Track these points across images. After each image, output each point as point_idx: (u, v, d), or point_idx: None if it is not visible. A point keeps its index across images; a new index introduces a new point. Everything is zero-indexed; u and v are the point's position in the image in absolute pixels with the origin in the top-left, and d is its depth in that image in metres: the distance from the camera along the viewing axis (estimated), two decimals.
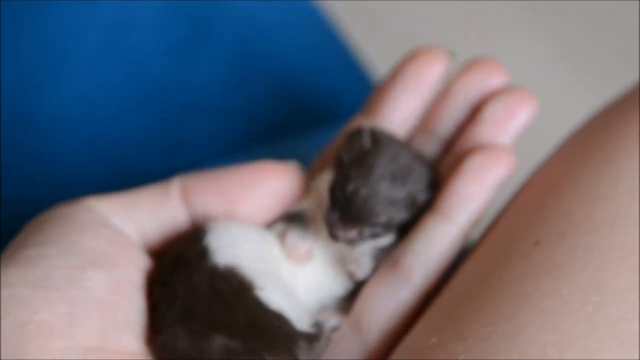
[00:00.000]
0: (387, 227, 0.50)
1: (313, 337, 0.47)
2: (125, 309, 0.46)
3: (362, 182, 0.49)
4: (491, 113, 0.52)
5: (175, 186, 0.49)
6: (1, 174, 0.66)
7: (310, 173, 0.56)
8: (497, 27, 1.36)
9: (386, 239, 0.51)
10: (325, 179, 0.53)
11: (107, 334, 0.44)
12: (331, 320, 0.49)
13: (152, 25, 0.72)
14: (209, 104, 0.71)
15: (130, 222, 0.49)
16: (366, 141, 0.51)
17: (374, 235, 0.50)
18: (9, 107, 0.68)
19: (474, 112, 0.54)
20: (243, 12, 0.74)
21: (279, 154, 0.64)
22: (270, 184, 0.50)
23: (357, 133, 0.52)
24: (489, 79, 0.54)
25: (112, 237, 0.47)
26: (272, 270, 0.50)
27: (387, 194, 0.49)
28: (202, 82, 0.72)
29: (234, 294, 0.46)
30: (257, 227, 0.51)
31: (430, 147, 0.55)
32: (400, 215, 0.50)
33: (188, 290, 0.46)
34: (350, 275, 0.51)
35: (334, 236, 0.49)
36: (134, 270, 0.47)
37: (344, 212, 0.49)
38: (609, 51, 1.35)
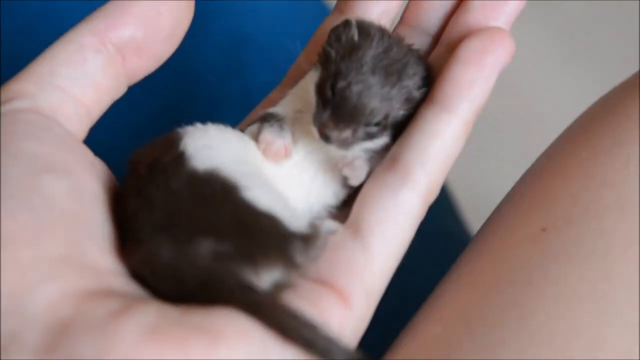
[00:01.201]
0: (383, 126, 0.46)
1: (309, 237, 0.43)
2: (87, 220, 0.42)
3: (353, 77, 0.45)
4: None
5: (85, 35, 0.45)
6: None
7: (283, 85, 0.52)
8: None
9: (381, 140, 0.47)
10: (310, 79, 0.48)
11: (73, 244, 0.40)
12: (327, 221, 0.45)
13: None
14: (205, 90, 0.70)
15: (63, 94, 0.45)
16: (354, 33, 0.46)
17: (369, 136, 0.46)
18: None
19: (460, 1, 0.49)
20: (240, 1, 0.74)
21: None
22: None
23: (344, 25, 0.47)
24: None
25: (59, 141, 0.43)
26: (256, 171, 0.45)
27: (382, 89, 0.45)
28: (199, 68, 0.71)
29: (217, 196, 0.42)
30: (234, 130, 0.47)
31: (416, 42, 0.50)
32: (396, 112, 0.46)
33: (167, 197, 0.42)
34: (344, 181, 0.47)
35: (325, 137, 0.45)
36: (89, 178, 0.43)
37: (336, 111, 0.45)
38: (611, 41, 1.35)
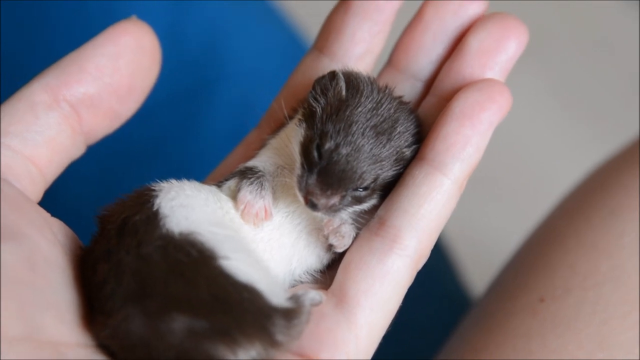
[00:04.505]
0: (372, 189, 0.43)
1: (291, 313, 0.40)
2: (44, 289, 0.38)
3: (342, 138, 0.42)
4: (476, 44, 0.45)
5: (37, 92, 0.43)
6: None
7: (261, 128, 0.49)
8: None
9: (369, 203, 0.44)
10: (290, 133, 0.45)
11: (29, 319, 0.37)
12: (310, 292, 0.41)
13: (157, 78, 0.73)
14: (213, 154, 0.72)
15: (14, 154, 0.42)
16: (342, 88, 0.43)
17: (357, 201, 0.43)
18: None
19: (454, 45, 0.46)
20: (246, 64, 0.75)
21: None
22: (128, 41, 0.43)
23: (331, 78, 0.44)
24: (466, 6, 0.46)
25: (10, 204, 0.40)
26: (235, 236, 0.42)
27: (372, 150, 0.42)
28: (206, 135, 0.72)
29: (193, 264, 0.39)
30: (209, 187, 0.44)
31: (406, 87, 0.47)
32: (386, 173, 0.43)
33: (138, 263, 0.39)
34: (328, 245, 0.44)
35: (312, 205, 0.42)
36: (44, 242, 0.40)
37: (323, 176, 0.42)
38: (607, 94, 1.36)
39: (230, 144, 0.73)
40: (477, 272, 0.77)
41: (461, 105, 0.42)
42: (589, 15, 1.46)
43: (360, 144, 0.42)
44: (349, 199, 0.43)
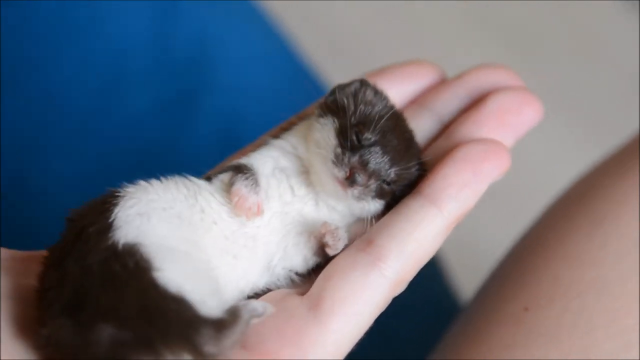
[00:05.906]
0: (390, 189, 0.45)
1: (222, 323, 0.40)
2: None
3: (376, 132, 0.45)
4: (497, 102, 0.48)
5: None
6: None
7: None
8: None
9: (379, 205, 0.45)
10: (309, 127, 0.47)
11: None
12: (251, 303, 0.42)
13: (144, 86, 0.73)
14: (199, 162, 0.72)
15: None
16: (370, 93, 0.47)
17: (380, 195, 0.45)
18: (7, 171, 0.67)
19: (478, 100, 0.49)
20: (234, 73, 0.75)
21: None
22: None
23: (361, 84, 0.47)
24: (503, 79, 0.50)
25: None
26: (181, 246, 0.42)
27: (399, 151, 0.45)
28: (192, 144, 0.72)
29: (127, 276, 0.40)
30: (191, 183, 0.45)
31: (423, 121, 0.50)
32: (402, 178, 0.45)
33: (80, 275, 0.40)
34: (316, 248, 0.45)
35: (353, 181, 0.44)
36: None
37: (363, 159, 0.44)
38: (606, 94, 1.36)
39: (217, 152, 0.72)
40: (466, 277, 0.77)
41: (464, 152, 0.45)
42: (588, 15, 1.45)
43: (391, 142, 0.45)
44: (378, 187, 0.45)
